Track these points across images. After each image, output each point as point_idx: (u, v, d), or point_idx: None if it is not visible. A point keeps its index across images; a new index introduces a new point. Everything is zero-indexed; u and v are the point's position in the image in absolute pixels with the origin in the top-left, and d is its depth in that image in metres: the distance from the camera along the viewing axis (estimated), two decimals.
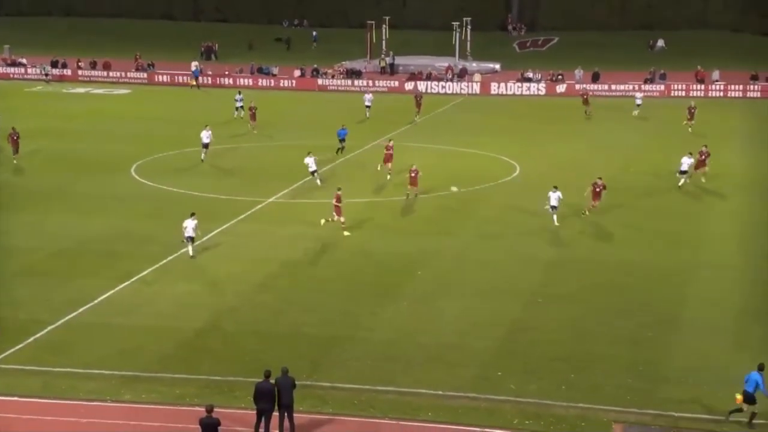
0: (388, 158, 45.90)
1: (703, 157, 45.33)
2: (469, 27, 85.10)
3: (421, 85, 77.95)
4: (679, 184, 44.52)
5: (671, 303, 30.80)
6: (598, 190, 39.36)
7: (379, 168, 45.84)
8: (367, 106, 64.29)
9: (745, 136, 58.92)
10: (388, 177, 45.59)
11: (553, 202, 38.38)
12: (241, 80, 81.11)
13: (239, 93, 64.52)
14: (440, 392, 24.66)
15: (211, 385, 24.92)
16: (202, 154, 50.03)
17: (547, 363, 26.40)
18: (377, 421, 23.25)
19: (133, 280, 32.66)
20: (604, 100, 73.18)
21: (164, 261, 34.59)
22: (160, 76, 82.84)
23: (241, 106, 61.91)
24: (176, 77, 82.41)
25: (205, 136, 50.01)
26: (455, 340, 28.06)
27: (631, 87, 75.48)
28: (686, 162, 44.55)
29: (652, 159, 51.79)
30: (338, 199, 37.39)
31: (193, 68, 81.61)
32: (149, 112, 68.19)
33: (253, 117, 58.19)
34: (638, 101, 66.08)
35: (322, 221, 37.51)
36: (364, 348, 27.54)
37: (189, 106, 70.71)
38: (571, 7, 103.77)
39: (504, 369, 26.01)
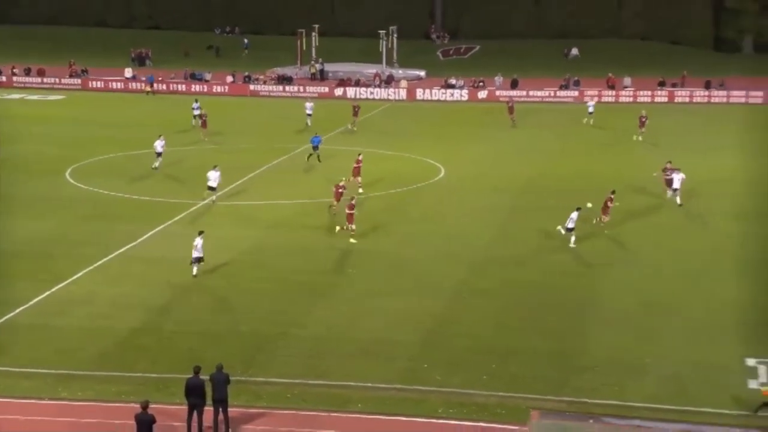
0: (356, 171, 44.33)
1: (669, 173, 42.90)
2: (395, 35, 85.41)
3: (351, 91, 78.08)
4: (669, 196, 42.89)
5: (584, 298, 31.35)
6: (609, 204, 38.30)
7: (350, 180, 43.45)
8: (308, 115, 62.22)
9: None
10: (360, 190, 43.81)
11: (571, 224, 35.83)
12: (174, 86, 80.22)
13: (196, 101, 62.25)
14: (369, 384, 24.80)
15: (147, 383, 24.71)
16: (156, 163, 48.33)
17: (469, 355, 26.73)
18: (309, 413, 23.31)
19: (68, 281, 32.16)
20: (522, 105, 73.99)
21: (99, 262, 34.11)
22: (93, 82, 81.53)
23: (199, 114, 59.52)
24: (110, 83, 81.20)
25: (159, 145, 48.50)
26: (384, 335, 28.22)
27: (548, 93, 76.58)
28: (677, 178, 42.05)
29: (569, 162, 52.62)
30: (351, 207, 36.54)
31: (149, 75, 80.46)
32: (84, 117, 67.03)
33: (204, 125, 56.95)
34: (590, 109, 64.05)
35: (337, 228, 36.81)
36: (296, 344, 27.56)
37: (123, 111, 69.72)
38: (491, 17, 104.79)
39: (430, 361, 26.26)
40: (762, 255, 35.32)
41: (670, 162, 43.65)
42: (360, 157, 45.40)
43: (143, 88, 79.05)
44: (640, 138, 57.13)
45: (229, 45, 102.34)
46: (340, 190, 39.71)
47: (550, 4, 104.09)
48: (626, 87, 77.17)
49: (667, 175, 42.81)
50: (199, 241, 32.64)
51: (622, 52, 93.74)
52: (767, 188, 45.31)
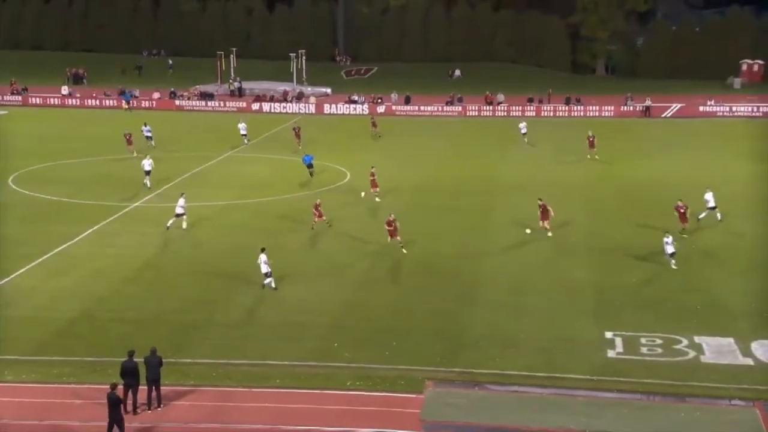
0: (373, 183, 42.65)
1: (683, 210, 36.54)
2: (304, 57, 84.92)
3: (266, 106, 77.26)
4: (700, 216, 38.10)
5: (467, 283, 31.64)
6: (542, 209, 36.82)
7: (363, 195, 42.35)
8: (243, 135, 57.47)
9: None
10: (377, 199, 42.56)
11: (670, 249, 32.46)
12: (107, 101, 77.89)
13: (145, 124, 56.37)
14: (286, 362, 24.56)
15: (86, 366, 23.96)
16: (146, 181, 44.43)
17: (373, 335, 26.73)
18: (233, 389, 22.95)
19: (11, 276, 30.92)
20: (414, 118, 74.65)
21: (39, 260, 32.88)
22: (33, 99, 78.51)
23: (150, 136, 55.18)
24: (48, 99, 78.34)
25: (147, 164, 44.56)
26: (297, 318, 27.98)
27: (436, 108, 77.24)
28: (710, 198, 37.74)
29: (457, 166, 53.17)
30: (390, 224, 34.18)
31: (127, 93, 77.48)
32: (25, 130, 64.48)
33: (130, 142, 53.44)
34: (523, 130, 60.01)
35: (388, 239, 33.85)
36: (219, 329, 27.09)
37: (60, 125, 67.36)
38: (385, 43, 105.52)
39: (339, 341, 26.15)
40: (605, 243, 36.13)
41: (680, 200, 37.14)
42: (373, 170, 43.50)
43: (81, 104, 76.33)
44: (597, 157, 52.91)
45: (154, 65, 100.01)
46: (319, 209, 37.70)
47: (435, 33, 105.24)
48: (500, 102, 78.44)
49: (681, 210, 36.39)
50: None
51: (496, 73, 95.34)
52: (617, 185, 46.75)
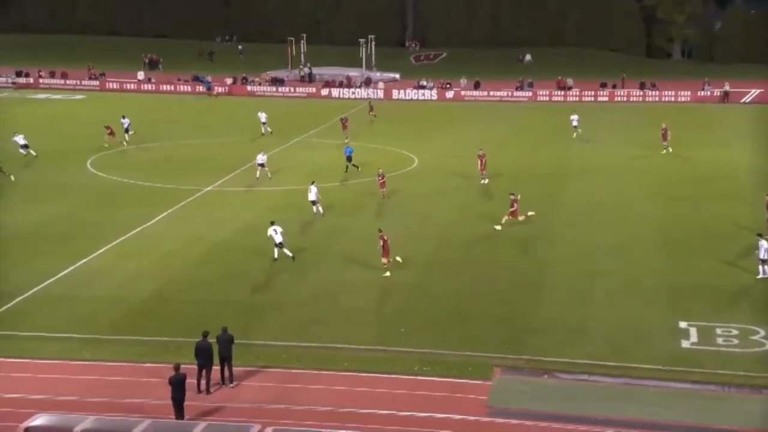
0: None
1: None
2: (373, 43, 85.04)
3: (335, 91, 77.71)
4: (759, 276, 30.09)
5: (535, 268, 31.35)
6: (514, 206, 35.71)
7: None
8: (263, 123, 56.75)
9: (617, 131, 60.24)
10: (484, 182, 42.72)
11: (764, 254, 29.42)
12: (182, 87, 79.42)
13: (124, 116, 54.95)
14: (353, 346, 24.73)
15: (160, 345, 24.52)
16: (258, 173, 43.94)
17: (440, 320, 26.71)
18: (302, 371, 23.22)
19: (89, 257, 31.83)
20: (484, 104, 74.11)
21: (115, 242, 33.77)
22: (110, 84, 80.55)
23: (128, 129, 53.76)
24: (124, 84, 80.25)
25: (260, 158, 44.09)
26: (365, 303, 28.15)
27: (506, 93, 76.46)
28: (763, 247, 29.73)
29: (527, 152, 52.62)
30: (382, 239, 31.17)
31: (204, 79, 78.72)
32: (102, 115, 66.17)
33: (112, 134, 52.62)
34: (574, 123, 56.58)
35: (399, 259, 31.05)
36: (289, 312, 27.43)
37: (137, 109, 68.90)
38: (454, 28, 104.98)
39: (406, 326, 26.21)
40: (679, 233, 35.29)
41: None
42: (482, 152, 43.53)
43: (156, 89, 77.97)
44: (670, 149, 50.32)
45: (226, 51, 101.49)
46: (383, 178, 39.43)
47: (505, 17, 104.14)
48: (571, 87, 77.24)
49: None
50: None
51: (567, 57, 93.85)
52: (693, 174, 45.59)
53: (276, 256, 31.47)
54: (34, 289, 28.60)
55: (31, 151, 48.23)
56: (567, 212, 38.83)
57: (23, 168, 46.20)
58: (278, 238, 31.31)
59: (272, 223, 31.81)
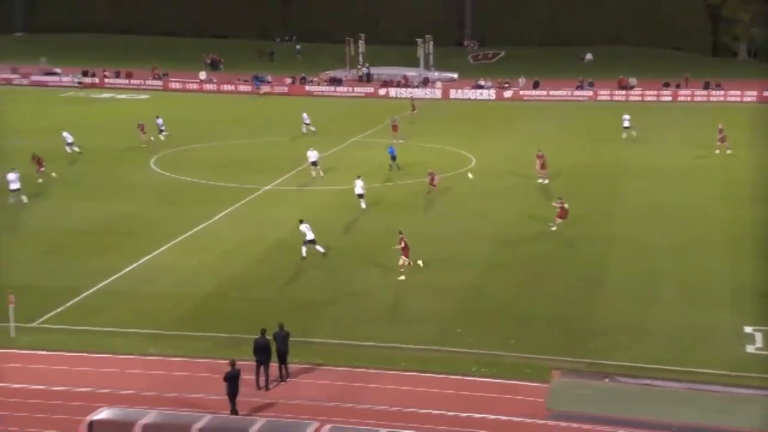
0: (542, 166, 42.74)
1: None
2: (431, 43, 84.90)
3: (393, 91, 77.80)
4: None
5: (595, 269, 30.95)
6: (565, 207, 35.15)
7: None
8: (306, 123, 56.70)
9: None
10: (542, 181, 42.64)
11: None
12: (242, 87, 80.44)
13: (158, 117, 54.95)
14: (411, 346, 24.74)
15: (220, 341, 24.88)
16: (313, 172, 44.45)
17: (498, 321, 26.55)
18: (359, 370, 23.32)
19: (153, 254, 32.45)
20: (543, 103, 73.39)
21: (178, 239, 34.37)
22: (173, 84, 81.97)
23: (162, 129, 53.78)
24: (186, 84, 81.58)
25: (312, 155, 44.47)
26: (422, 303, 28.12)
27: (566, 92, 75.61)
28: None
29: (586, 151, 51.97)
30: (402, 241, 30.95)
31: (257, 79, 79.97)
32: (165, 115, 67.31)
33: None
34: (626, 123, 54.86)
35: (421, 263, 30.62)
36: (345, 310, 27.57)
37: (199, 109, 70.08)
38: (513, 27, 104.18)
39: (463, 326, 26.12)
40: (743, 235, 34.40)
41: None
42: (540, 152, 43.51)
43: (218, 89, 79.14)
44: (728, 151, 49.05)
45: (286, 51, 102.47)
46: (433, 176, 40.35)
47: (565, 16, 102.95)
48: (633, 87, 75.99)
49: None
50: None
51: (629, 56, 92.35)
52: (755, 175, 44.42)
53: (304, 254, 31.61)
54: (100, 285, 29.30)
55: (75, 148, 49.27)
56: (627, 212, 38.28)
57: (88, 165, 47.33)
58: (310, 235, 31.68)
59: (301, 222, 32.17)
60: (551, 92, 76.14)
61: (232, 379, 20.79)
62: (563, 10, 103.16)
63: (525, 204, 39.98)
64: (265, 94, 77.50)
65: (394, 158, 45.81)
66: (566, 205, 35.05)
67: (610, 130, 58.66)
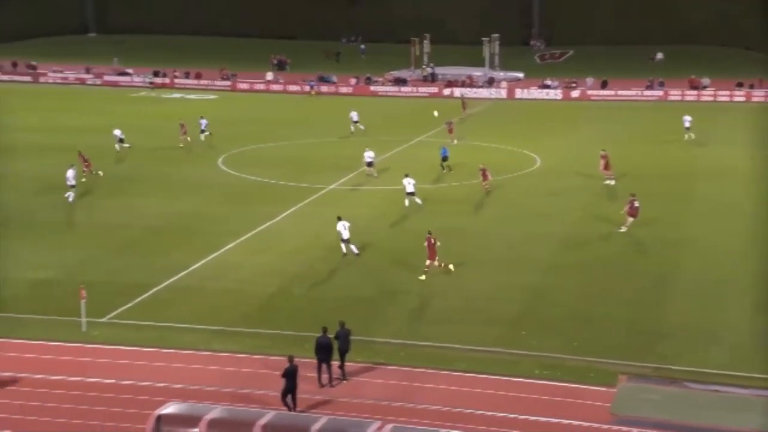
0: (606, 166, 42.23)
1: None
2: (497, 42, 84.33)
3: (458, 91, 77.57)
4: None
5: (663, 272, 30.37)
6: (636, 204, 34.74)
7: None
8: (355, 122, 56.98)
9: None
10: (609, 182, 42.07)
11: None
12: (308, 87, 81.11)
13: (202, 117, 55.40)
14: (471, 347, 24.65)
15: (284, 339, 25.17)
16: (371, 171, 44.87)
17: (562, 323, 26.26)
18: (420, 370, 23.32)
19: (219, 251, 33.01)
20: (611, 103, 72.23)
21: (244, 237, 34.89)
22: (241, 84, 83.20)
23: (204, 130, 54.18)
24: (254, 85, 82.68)
25: (368, 156, 44.69)
26: (482, 304, 27.98)
27: (635, 93, 74.26)
28: None
29: (655, 151, 51.00)
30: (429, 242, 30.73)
31: (335, 79, 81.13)
32: (233, 114, 68.55)
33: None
34: (687, 124, 53.84)
35: (452, 267, 30.58)
36: (407, 310, 27.61)
37: (265, 109, 71.01)
38: (581, 26, 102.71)
39: (525, 328, 25.91)
40: None
41: None
42: (604, 152, 43.00)
43: (284, 90, 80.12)
44: None
45: (351, 52, 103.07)
46: (486, 173, 40.82)
47: (635, 15, 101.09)
48: (705, 87, 74.18)
49: None
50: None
51: (701, 56, 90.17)
52: None
53: (345, 251, 31.93)
54: (169, 281, 29.95)
55: (125, 145, 50.46)
56: (696, 214, 37.47)
57: (151, 164, 48.37)
58: (345, 234, 31.83)
59: (339, 219, 32.34)
60: (620, 92, 74.84)
61: (290, 375, 21.04)
62: (633, 8, 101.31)
63: (591, 205, 39.44)
64: (317, 94, 78.14)
65: (445, 158, 45.82)
66: (637, 203, 34.48)
67: (682, 130, 57.41)
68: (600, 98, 74.17)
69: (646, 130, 59.25)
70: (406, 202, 38.54)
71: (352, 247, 31.97)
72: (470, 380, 22.77)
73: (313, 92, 78.64)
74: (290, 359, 21.32)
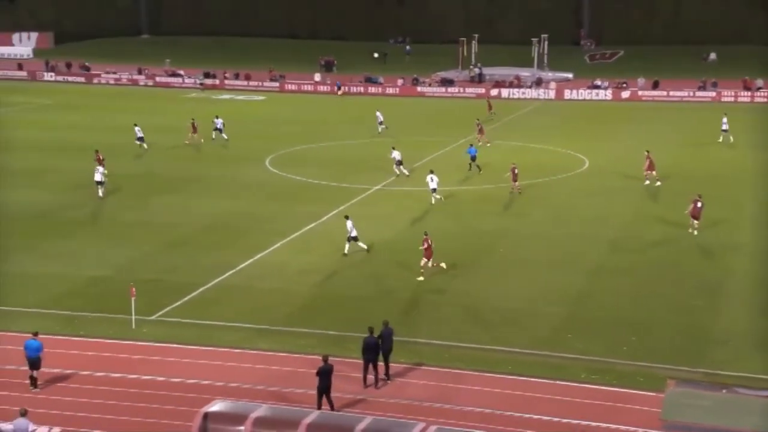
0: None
1: None
2: (546, 42, 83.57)
3: (505, 92, 77.02)
4: None
5: (714, 277, 29.76)
6: (699, 205, 34.28)
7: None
8: (380, 123, 57.45)
9: None
10: (649, 183, 41.82)
11: None
12: (354, 88, 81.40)
13: (217, 117, 55.94)
14: (517, 349, 24.42)
15: (328, 339, 25.21)
16: (402, 170, 45.01)
17: (609, 327, 25.88)
18: (464, 372, 23.18)
19: (266, 251, 33.23)
20: (662, 104, 71.09)
21: (291, 236, 35.08)
22: (289, 85, 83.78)
23: (219, 129, 54.85)
24: (302, 86, 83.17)
25: (396, 155, 44.77)
26: (529, 305, 27.72)
27: (687, 93, 72.97)
28: None
29: (708, 154, 50.07)
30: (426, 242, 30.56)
31: (381, 80, 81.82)
32: (281, 115, 69.08)
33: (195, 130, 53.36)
34: (724, 126, 53.21)
35: (444, 265, 30.63)
36: (450, 311, 27.44)
37: (313, 110, 71.38)
38: (632, 25, 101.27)
39: (572, 331, 25.60)
40: None
41: None
42: (648, 153, 42.60)
43: (331, 90, 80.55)
44: None
45: (398, 52, 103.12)
46: (515, 172, 40.64)
47: (688, 14, 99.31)
48: (759, 88, 72.54)
49: None
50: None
51: (756, 56, 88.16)
52: None
53: (366, 247, 32.34)
54: (217, 280, 30.24)
55: (144, 144, 51.30)
56: (751, 218, 36.55)
57: (200, 163, 48.95)
58: (353, 232, 32.25)
59: (347, 218, 32.79)
60: (671, 93, 73.63)
61: (324, 374, 21.08)
62: (686, 7, 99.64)
63: (641, 207, 38.86)
64: (343, 94, 78.35)
65: (473, 159, 45.74)
66: (700, 204, 33.84)
67: (735, 132, 56.31)
68: (651, 99, 73.07)
69: (697, 132, 58.14)
70: (432, 200, 39.00)
71: (361, 243, 32.45)
72: (515, 383, 22.56)
73: (340, 93, 78.94)
74: (325, 358, 21.35)
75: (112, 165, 44.15)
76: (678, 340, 24.79)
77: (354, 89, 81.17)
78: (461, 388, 22.33)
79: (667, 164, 44.76)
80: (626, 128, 59.91)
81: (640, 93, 74.13)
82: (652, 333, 25.31)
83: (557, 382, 22.48)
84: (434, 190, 39.23)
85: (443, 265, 30.35)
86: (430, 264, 30.06)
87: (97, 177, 40.80)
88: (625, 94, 74.46)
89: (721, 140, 52.92)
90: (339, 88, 79.94)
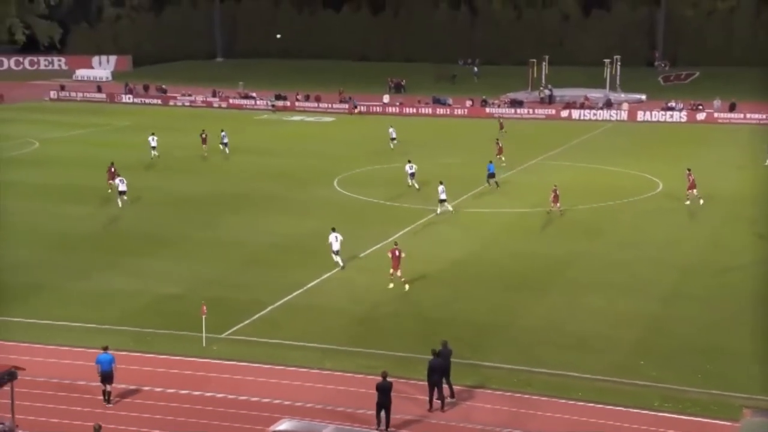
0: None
1: None
2: (618, 63, 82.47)
3: (576, 113, 76.13)
4: None
5: None
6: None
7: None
8: (392, 139, 59.40)
9: None
10: (690, 202, 41.83)
11: None
12: (423, 109, 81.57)
13: (222, 131, 58.72)
14: (588, 375, 23.94)
15: (393, 360, 25.08)
16: (413, 183, 46.41)
17: (684, 354, 25.17)
18: (533, 397, 22.83)
19: (333, 271, 33.36)
20: (739, 126, 69.25)
21: (359, 256, 35.19)
22: (358, 107, 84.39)
23: (226, 143, 57.63)
24: (371, 107, 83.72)
25: (410, 168, 46.60)
26: (600, 330, 27.17)
27: (764, 116, 70.95)
28: None
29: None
30: (393, 253, 31.24)
31: (450, 101, 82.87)
32: (350, 136, 69.62)
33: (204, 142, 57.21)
34: None
35: (407, 287, 30.94)
36: (518, 334, 27.10)
37: (381, 131, 71.62)
38: (708, 47, 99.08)
39: (645, 358, 24.97)
40: None
41: None
42: (689, 172, 42.45)
43: (400, 112, 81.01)
44: None
45: (467, 74, 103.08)
46: (557, 192, 40.09)
47: (765, 34, 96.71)
48: None
49: None
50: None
51: None
52: None
53: (342, 264, 32.79)
54: (286, 298, 30.50)
55: (155, 153, 53.97)
56: None
57: (271, 184, 49.53)
58: (336, 246, 32.61)
59: (333, 230, 33.07)
60: (749, 115, 71.68)
61: (383, 391, 20.97)
62: (765, 28, 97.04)
63: (718, 232, 37.81)
64: (359, 113, 78.69)
65: (492, 175, 45.92)
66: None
67: None
68: (727, 121, 71.28)
69: None
70: (438, 210, 40.37)
71: (338, 259, 32.83)
72: (587, 410, 22.09)
73: (355, 111, 79.29)
74: (384, 375, 21.29)
75: (183, 183, 45.04)
76: (754, 367, 23.96)
77: (422, 111, 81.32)
78: (531, 414, 21.98)
79: (740, 188, 43.53)
80: (702, 151, 58.51)
81: (716, 115, 72.37)
82: (728, 360, 24.55)
83: (630, 409, 21.94)
84: (443, 201, 40.38)
85: (407, 287, 30.78)
86: (398, 274, 30.78)
87: (122, 187, 43.04)
88: (701, 116, 72.82)
89: (766, 164, 51.79)
90: (355, 107, 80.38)
